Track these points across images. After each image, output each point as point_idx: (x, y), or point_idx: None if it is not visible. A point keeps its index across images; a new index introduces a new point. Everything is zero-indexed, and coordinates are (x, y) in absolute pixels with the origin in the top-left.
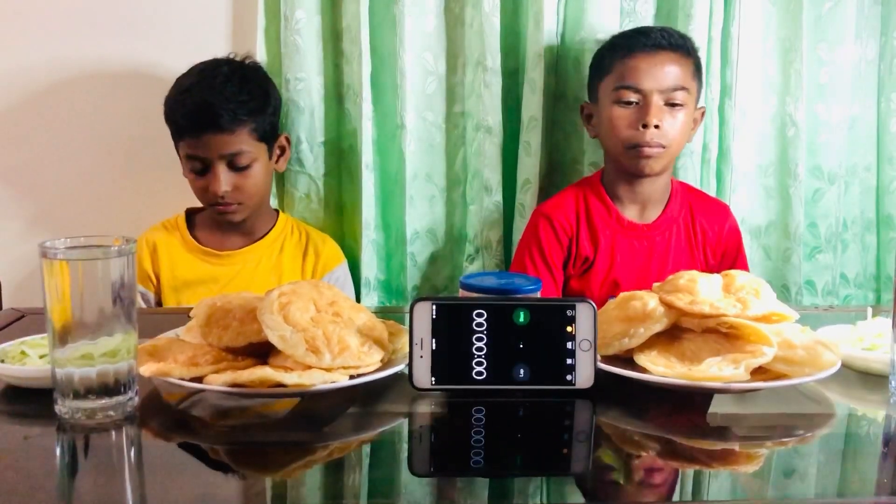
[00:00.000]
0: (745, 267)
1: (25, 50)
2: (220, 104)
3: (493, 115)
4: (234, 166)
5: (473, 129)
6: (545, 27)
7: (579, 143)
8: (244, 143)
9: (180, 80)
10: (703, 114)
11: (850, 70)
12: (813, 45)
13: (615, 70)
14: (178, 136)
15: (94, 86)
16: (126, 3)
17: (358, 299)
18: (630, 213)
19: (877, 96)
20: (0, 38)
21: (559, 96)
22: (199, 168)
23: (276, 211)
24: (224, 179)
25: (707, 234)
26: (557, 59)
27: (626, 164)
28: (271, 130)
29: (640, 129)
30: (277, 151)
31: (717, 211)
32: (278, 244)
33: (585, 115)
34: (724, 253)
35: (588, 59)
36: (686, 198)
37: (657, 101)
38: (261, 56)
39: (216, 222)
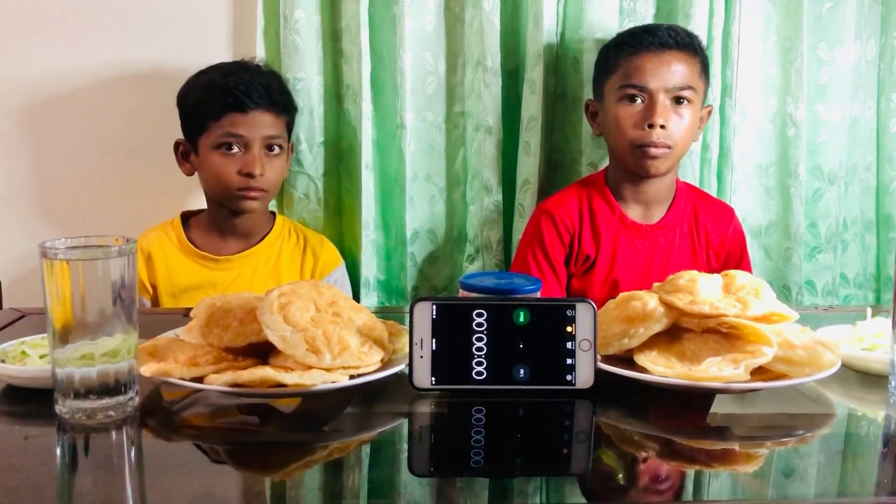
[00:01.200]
0: (748, 270)
1: (26, 52)
2: (273, 86)
3: (492, 115)
4: (269, 151)
5: (473, 129)
6: (545, 27)
7: (578, 143)
8: (281, 130)
9: (211, 70)
10: (709, 112)
11: (850, 70)
12: (813, 45)
13: (621, 68)
14: (215, 115)
15: (93, 86)
16: (125, 4)
17: (357, 299)
18: (634, 212)
19: (877, 96)
20: (1, 40)
21: (559, 96)
22: (235, 149)
23: (272, 213)
24: (260, 160)
25: (711, 237)
26: (557, 59)
27: (632, 164)
28: (291, 132)
29: (646, 129)
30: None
31: (721, 213)
32: (276, 248)
33: (590, 112)
34: (728, 255)
35: (588, 59)
36: (691, 199)
37: (663, 100)
38: (260, 56)
39: (214, 225)
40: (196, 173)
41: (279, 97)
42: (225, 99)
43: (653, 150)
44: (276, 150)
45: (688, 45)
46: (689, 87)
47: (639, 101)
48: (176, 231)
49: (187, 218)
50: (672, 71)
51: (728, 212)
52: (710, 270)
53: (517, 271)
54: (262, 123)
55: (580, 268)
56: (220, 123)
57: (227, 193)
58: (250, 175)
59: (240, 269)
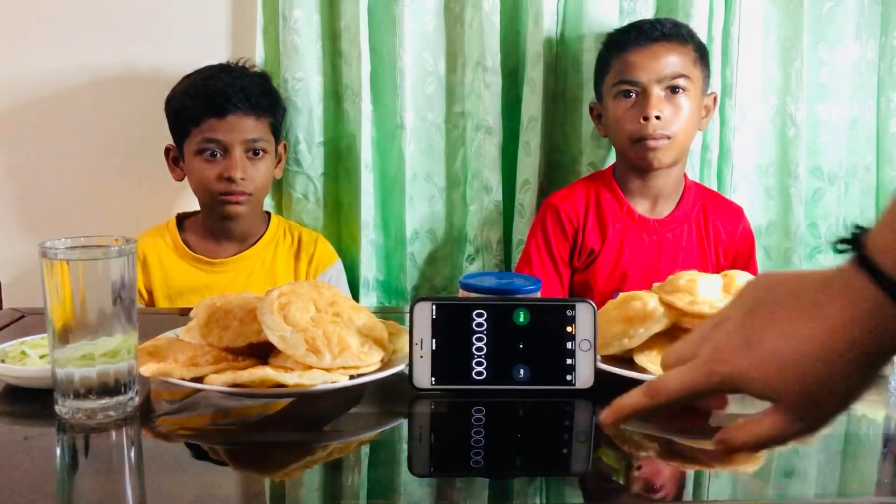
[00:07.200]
0: (755, 272)
1: (25, 52)
2: (252, 88)
3: (492, 115)
4: (251, 154)
5: (473, 129)
6: (545, 27)
7: (578, 142)
8: (264, 132)
9: (195, 74)
10: (715, 99)
11: (850, 70)
12: (813, 45)
13: (613, 67)
14: (194, 121)
15: (92, 86)
16: (124, 4)
17: (357, 299)
18: (641, 207)
19: (877, 96)
20: (0, 40)
21: (559, 96)
22: (215, 154)
23: (268, 214)
24: (241, 165)
25: (720, 235)
26: (557, 59)
27: (635, 159)
28: (278, 132)
29: (642, 121)
30: (276, 157)
31: (731, 212)
32: (271, 249)
33: (595, 114)
34: (736, 255)
35: (588, 59)
36: (700, 196)
37: (657, 92)
38: (259, 56)
39: (208, 228)
40: (186, 178)
41: (259, 99)
42: (203, 104)
43: (651, 143)
44: (260, 153)
45: (675, 34)
46: (683, 76)
47: (633, 95)
48: (171, 234)
49: (182, 219)
50: (662, 62)
51: (738, 211)
52: (718, 268)
53: (521, 264)
54: (241, 127)
55: (584, 261)
56: (200, 129)
57: (212, 199)
58: (231, 180)
59: (235, 272)
